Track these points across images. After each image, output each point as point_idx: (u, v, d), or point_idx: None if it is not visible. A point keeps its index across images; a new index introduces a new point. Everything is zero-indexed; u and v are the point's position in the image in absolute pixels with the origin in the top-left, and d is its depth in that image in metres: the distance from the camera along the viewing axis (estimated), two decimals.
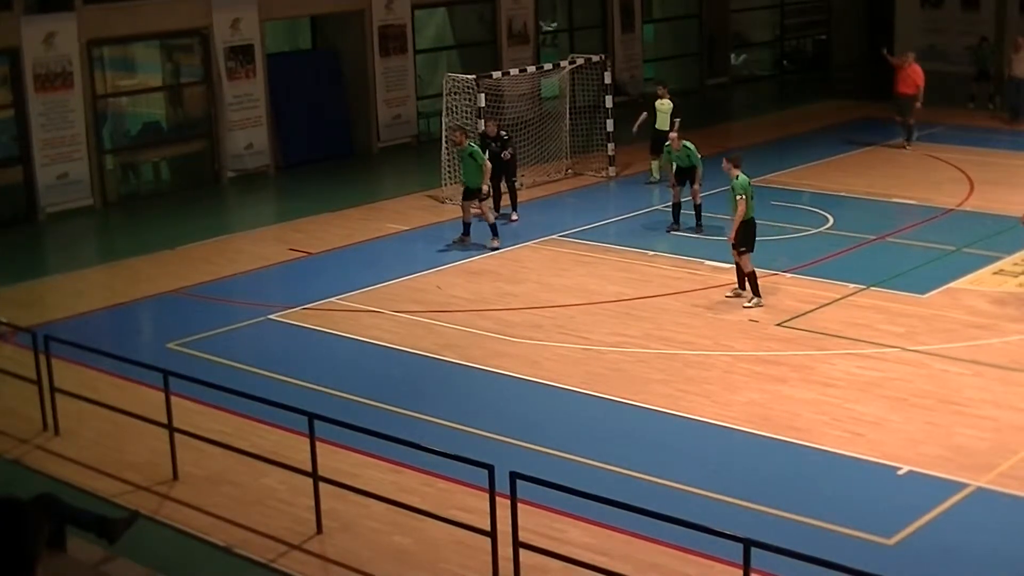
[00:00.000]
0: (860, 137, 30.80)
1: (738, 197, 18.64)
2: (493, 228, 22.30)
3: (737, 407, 15.39)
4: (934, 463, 13.78)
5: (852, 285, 19.58)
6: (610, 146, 27.24)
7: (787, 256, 21.01)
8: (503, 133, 24.19)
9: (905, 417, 15.03)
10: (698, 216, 22.75)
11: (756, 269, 18.89)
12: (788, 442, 14.46)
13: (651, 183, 26.16)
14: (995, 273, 20.28)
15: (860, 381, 16.12)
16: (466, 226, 22.52)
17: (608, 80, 27.36)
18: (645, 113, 26.34)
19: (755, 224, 18.96)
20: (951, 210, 24.27)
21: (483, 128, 24.43)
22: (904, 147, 29.24)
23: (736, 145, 28.39)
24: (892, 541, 12.19)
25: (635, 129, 26.27)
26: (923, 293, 19.29)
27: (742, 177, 18.75)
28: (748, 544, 9.75)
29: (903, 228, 22.92)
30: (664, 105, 26.07)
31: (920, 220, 23.44)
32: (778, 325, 18.09)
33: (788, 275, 20.06)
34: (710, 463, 14.06)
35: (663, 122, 25.90)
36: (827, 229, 22.86)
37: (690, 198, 22.80)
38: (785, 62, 42.37)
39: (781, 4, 42.37)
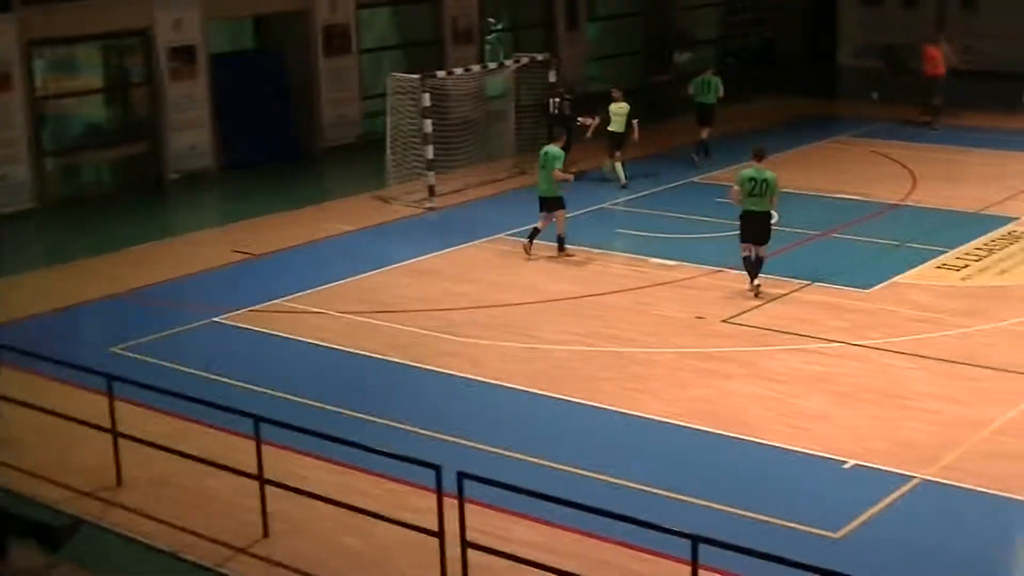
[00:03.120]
0: (804, 134, 30.98)
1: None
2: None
3: (684, 403, 15.43)
4: (880, 457, 13.87)
5: (797, 281, 19.69)
6: None
7: (732, 253, 21.04)
8: None
9: (850, 411, 15.12)
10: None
11: (702, 265, 18.99)
12: (735, 438, 14.51)
13: (623, 186, 26.03)
14: (938, 267, 20.44)
15: (806, 376, 16.20)
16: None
17: (553, 79, 27.37)
18: (597, 118, 26.31)
19: (752, 216, 19.19)
20: (894, 205, 24.44)
21: None
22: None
23: (682, 143, 28.55)
24: (839, 535, 12.25)
25: (588, 134, 26.24)
26: (867, 288, 19.41)
27: (767, 172, 19.10)
28: (696, 540, 9.77)
29: (847, 224, 23.05)
30: (620, 108, 26.05)
31: (864, 216, 23.58)
32: (724, 321, 18.16)
33: (733, 271, 20.10)
34: (657, 460, 14.10)
35: (617, 124, 25.92)
36: (772, 225, 22.90)
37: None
38: (730, 59, 42.50)
39: (726, 1, 42.55)
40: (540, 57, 28.08)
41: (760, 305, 18.72)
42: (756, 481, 13.54)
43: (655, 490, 13.21)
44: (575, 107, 26.65)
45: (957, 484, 13.25)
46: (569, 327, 18.15)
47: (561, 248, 21.56)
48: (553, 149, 21.58)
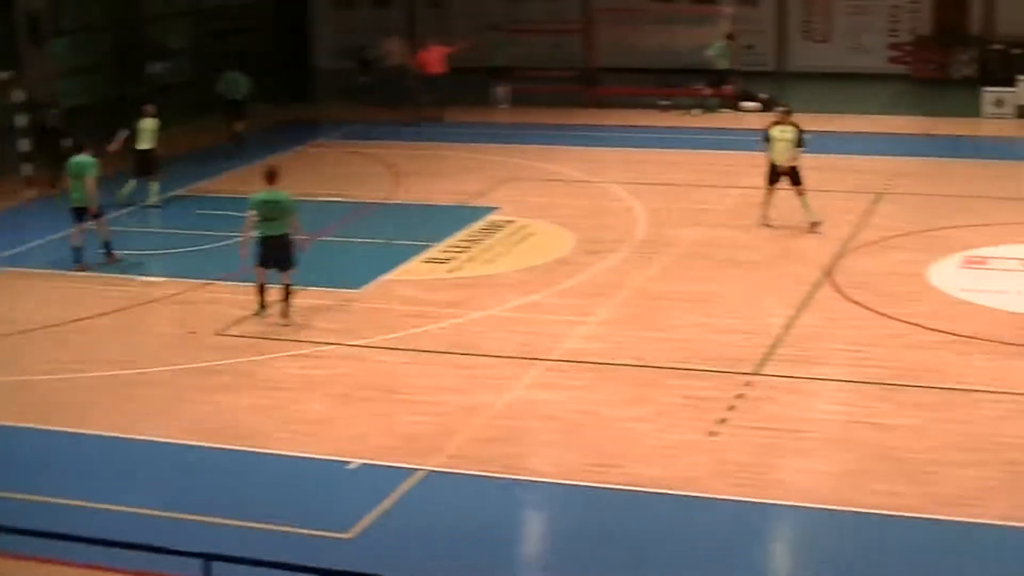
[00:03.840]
0: (284, 139, 31.05)
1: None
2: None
3: (185, 421, 15.06)
4: (383, 453, 14.02)
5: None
6: (26, 167, 25.99)
7: (218, 264, 20.78)
8: None
9: (351, 411, 15.21)
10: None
11: (189, 279, 18.54)
12: (239, 450, 14.29)
13: (154, 206, 25.10)
14: (425, 262, 20.91)
15: (304, 381, 16.18)
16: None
17: (22, 98, 26.14)
18: (127, 131, 25.29)
19: (270, 241, 18.10)
20: (378, 204, 24.85)
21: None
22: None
23: (162, 154, 27.92)
24: (351, 534, 12.28)
25: (114, 145, 25.15)
26: (357, 288, 19.61)
27: (280, 193, 18.14)
28: (208, 558, 9.52)
29: (333, 225, 23.20)
30: (148, 124, 25.07)
31: (348, 216, 23.83)
32: (218, 334, 17.87)
33: (222, 283, 19.85)
34: (164, 482, 13.69)
35: (145, 141, 24.98)
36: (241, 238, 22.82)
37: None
38: (206, 69, 42.00)
39: (197, 11, 42.00)
40: (4, 75, 26.75)
41: (253, 314, 18.52)
42: (265, 491, 13.38)
43: (166, 514, 12.80)
44: (61, 121, 25.56)
45: (461, 471, 13.57)
46: (56, 355, 17.33)
47: (109, 254, 21.13)
48: (83, 158, 20.92)
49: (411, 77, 33.22)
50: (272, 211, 17.92)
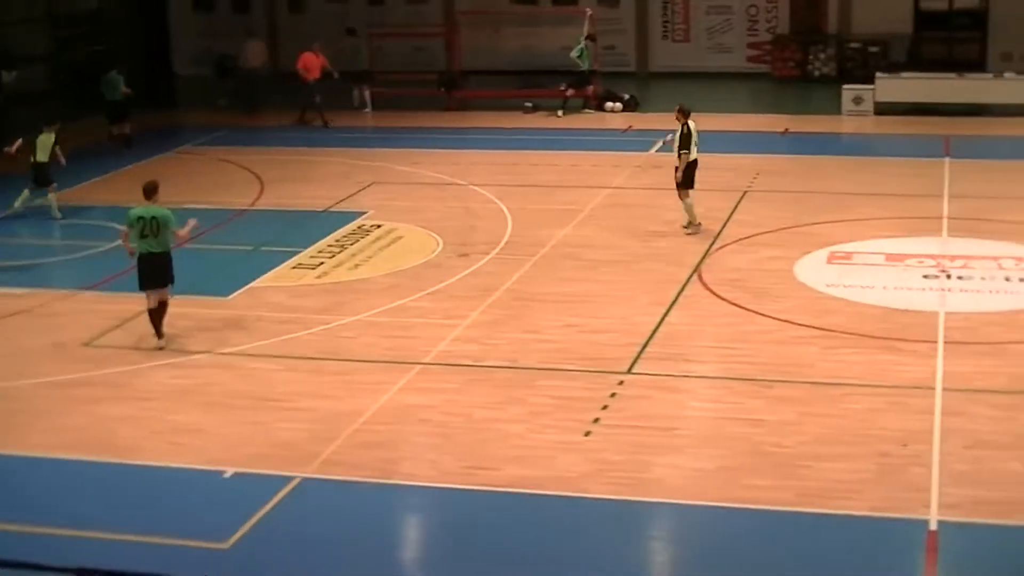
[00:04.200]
0: (149, 146, 30.65)
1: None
2: None
3: (54, 435, 14.79)
4: (258, 461, 13.90)
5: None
6: None
7: (83, 274, 20.46)
8: None
9: (223, 420, 15.05)
10: None
11: (54, 289, 18.16)
12: (111, 463, 14.06)
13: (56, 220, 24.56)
14: (294, 268, 20.78)
15: (175, 390, 15.98)
16: None
17: None
18: (19, 141, 24.73)
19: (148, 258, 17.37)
20: (244, 210, 24.63)
21: None
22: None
23: (10, 170, 27.35)
24: (228, 544, 12.15)
25: (12, 151, 24.71)
26: (227, 295, 19.42)
27: (159, 209, 17.37)
28: (82, 573, 9.39)
29: (200, 233, 22.80)
30: (47, 139, 24.57)
31: (216, 223, 23.55)
32: (85, 345, 17.57)
33: (89, 293, 19.55)
34: (35, 498, 13.39)
35: (42, 153, 24.45)
36: (121, 243, 22.46)
37: None
38: (61, 76, 41.27)
39: (51, 17, 41.24)
40: None
41: (120, 324, 18.26)
42: (140, 503, 13.19)
43: (38, 529, 12.53)
44: None
45: (337, 477, 13.52)
46: None
47: None
48: None
49: (311, 84, 33.09)
50: (148, 227, 17.21)
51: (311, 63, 33.15)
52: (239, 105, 35.34)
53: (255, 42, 36.79)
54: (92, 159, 29.21)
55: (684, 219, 22.09)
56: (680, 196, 22.03)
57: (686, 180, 21.94)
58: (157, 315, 17.42)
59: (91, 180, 27.39)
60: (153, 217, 17.24)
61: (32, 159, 24.55)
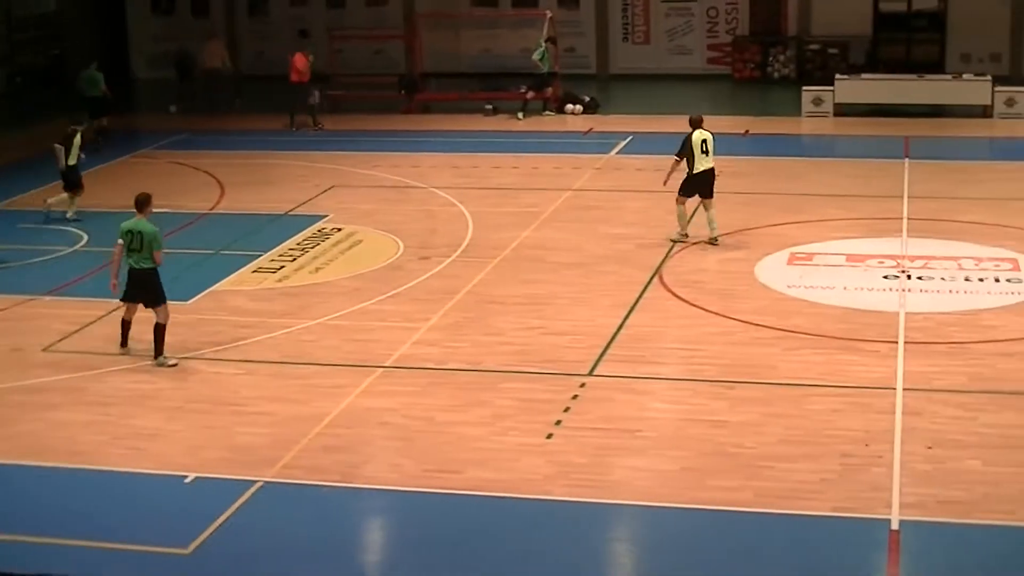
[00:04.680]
0: (106, 150, 30.35)
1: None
2: None
3: (14, 441, 14.67)
4: (219, 466, 13.83)
5: (115, 301, 19.12)
6: None
7: (42, 279, 20.31)
8: None
9: (184, 425, 14.97)
10: None
11: (15, 295, 18.00)
12: (73, 468, 13.95)
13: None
14: (254, 271, 20.68)
15: (134, 395, 15.88)
16: None
17: None
18: (61, 148, 24.61)
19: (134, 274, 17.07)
20: (205, 214, 24.51)
21: None
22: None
23: None
24: (189, 550, 12.07)
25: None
26: (188, 299, 19.30)
27: (145, 224, 16.98)
28: None
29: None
30: (78, 140, 24.49)
31: (176, 227, 23.38)
32: (44, 351, 17.44)
33: (47, 298, 19.40)
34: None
35: (72, 156, 24.39)
36: (82, 247, 22.36)
37: None
38: (19, 79, 41.01)
39: (8, 19, 40.97)
40: None
41: (79, 329, 18.14)
42: (101, 509, 13.10)
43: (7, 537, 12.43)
44: None
45: (299, 482, 13.45)
46: None
47: None
48: None
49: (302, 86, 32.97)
50: (135, 241, 16.87)
51: (303, 65, 32.88)
52: (199, 107, 35.16)
53: (214, 41, 36.61)
54: (51, 163, 28.96)
55: (683, 230, 21.82)
56: (677, 202, 21.90)
57: (683, 188, 21.80)
58: (127, 328, 17.21)
59: (51, 184, 27.14)
60: (140, 232, 16.86)
61: (64, 163, 24.42)
